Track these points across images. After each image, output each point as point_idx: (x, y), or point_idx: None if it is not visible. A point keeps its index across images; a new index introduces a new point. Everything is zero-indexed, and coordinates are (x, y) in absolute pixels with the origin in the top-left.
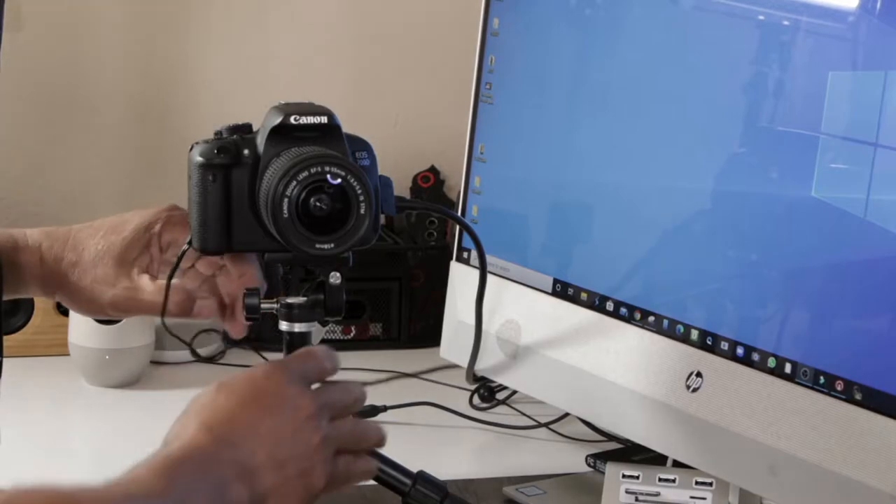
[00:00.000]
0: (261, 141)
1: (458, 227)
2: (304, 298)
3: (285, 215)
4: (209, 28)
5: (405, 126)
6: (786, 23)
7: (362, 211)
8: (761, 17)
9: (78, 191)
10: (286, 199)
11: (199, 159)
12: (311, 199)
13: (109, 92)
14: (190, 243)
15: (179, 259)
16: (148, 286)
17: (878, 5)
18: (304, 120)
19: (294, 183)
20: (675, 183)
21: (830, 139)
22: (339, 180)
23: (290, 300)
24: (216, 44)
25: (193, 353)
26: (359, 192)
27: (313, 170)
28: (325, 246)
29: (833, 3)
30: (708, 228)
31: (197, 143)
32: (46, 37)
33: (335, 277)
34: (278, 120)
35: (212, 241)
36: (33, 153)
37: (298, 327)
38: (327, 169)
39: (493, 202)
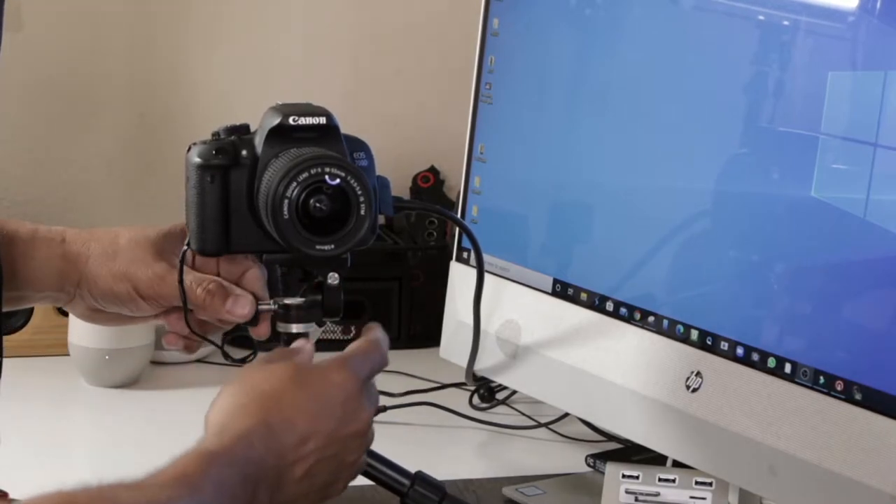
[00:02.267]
0: (259, 141)
1: (457, 227)
2: (302, 299)
3: (285, 216)
4: (209, 28)
5: (405, 126)
6: (786, 23)
7: (362, 212)
8: (761, 17)
9: (78, 191)
10: (286, 201)
11: (197, 160)
12: (311, 200)
13: (109, 92)
14: (189, 244)
15: (182, 260)
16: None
17: (878, 5)
18: (303, 121)
19: (294, 184)
20: (675, 183)
21: (830, 139)
22: (338, 181)
23: (287, 301)
24: (216, 44)
25: (225, 355)
26: (359, 192)
27: (313, 170)
28: (325, 247)
29: (833, 3)
30: (708, 228)
31: (194, 143)
32: (46, 37)
33: (333, 278)
34: (276, 121)
35: (210, 242)
36: (33, 153)
37: (296, 328)
38: (327, 170)
39: (492, 202)
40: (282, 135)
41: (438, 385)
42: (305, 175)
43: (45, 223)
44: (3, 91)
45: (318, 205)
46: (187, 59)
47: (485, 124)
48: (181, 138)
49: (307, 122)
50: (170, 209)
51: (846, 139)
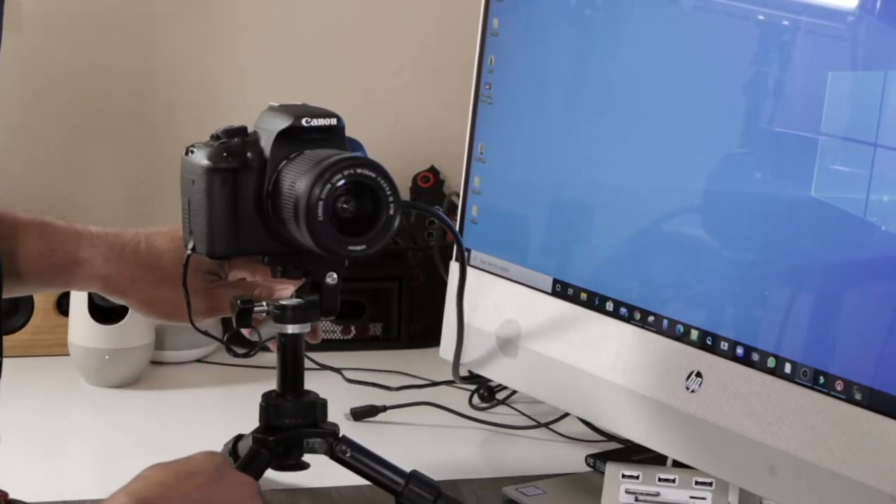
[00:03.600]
0: (266, 143)
1: (459, 227)
2: (299, 300)
3: (320, 218)
4: (209, 28)
5: (405, 126)
6: (786, 23)
7: (392, 211)
8: (761, 17)
9: (78, 191)
10: (321, 203)
11: (207, 163)
12: (345, 202)
13: (109, 92)
14: (193, 248)
15: (186, 265)
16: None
17: (878, 5)
18: (315, 122)
19: (329, 186)
20: (675, 183)
21: (830, 139)
22: (369, 182)
23: (284, 302)
24: (216, 44)
25: (228, 349)
26: (388, 192)
27: (346, 171)
28: (357, 247)
29: (833, 3)
30: (708, 228)
31: (192, 146)
32: (46, 37)
33: (332, 277)
34: (287, 123)
35: (219, 245)
36: (33, 153)
37: (291, 328)
38: (359, 171)
39: (493, 202)
40: (292, 137)
41: (438, 384)
42: (339, 177)
43: None
44: (3, 91)
45: (348, 206)
46: (187, 59)
47: (485, 124)
48: (181, 138)
49: (319, 124)
50: (170, 209)
51: (846, 139)
